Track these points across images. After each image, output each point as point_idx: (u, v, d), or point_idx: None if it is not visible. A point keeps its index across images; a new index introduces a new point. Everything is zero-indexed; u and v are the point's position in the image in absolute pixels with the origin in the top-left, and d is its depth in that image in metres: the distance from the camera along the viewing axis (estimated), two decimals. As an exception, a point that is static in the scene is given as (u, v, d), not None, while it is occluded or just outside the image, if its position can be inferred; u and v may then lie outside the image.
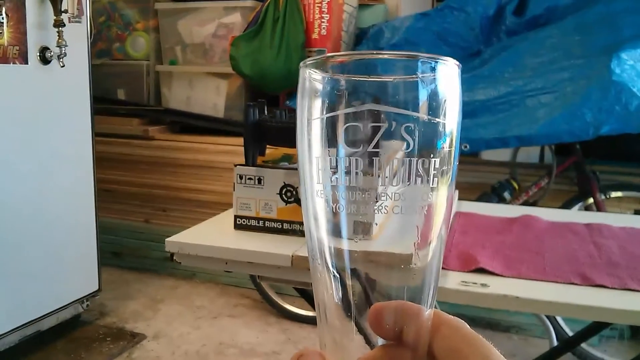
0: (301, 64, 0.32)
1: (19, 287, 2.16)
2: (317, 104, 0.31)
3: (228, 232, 1.26)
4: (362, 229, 0.31)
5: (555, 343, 2.08)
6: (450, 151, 0.31)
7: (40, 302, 2.28)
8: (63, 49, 2.15)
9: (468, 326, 0.33)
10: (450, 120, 0.31)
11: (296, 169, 0.32)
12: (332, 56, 0.31)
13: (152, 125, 3.16)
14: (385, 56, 0.31)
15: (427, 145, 0.30)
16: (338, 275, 0.32)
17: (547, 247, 1.24)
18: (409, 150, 0.30)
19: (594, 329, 1.62)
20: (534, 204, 2.45)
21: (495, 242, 1.27)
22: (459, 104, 0.32)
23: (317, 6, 2.73)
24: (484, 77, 2.27)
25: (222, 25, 3.05)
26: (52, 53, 2.15)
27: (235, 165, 1.25)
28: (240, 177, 1.24)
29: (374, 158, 0.30)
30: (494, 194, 2.46)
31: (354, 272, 0.32)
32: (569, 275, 1.08)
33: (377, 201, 0.31)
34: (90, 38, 2.37)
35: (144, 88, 3.23)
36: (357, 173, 0.30)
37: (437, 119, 0.30)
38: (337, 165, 0.30)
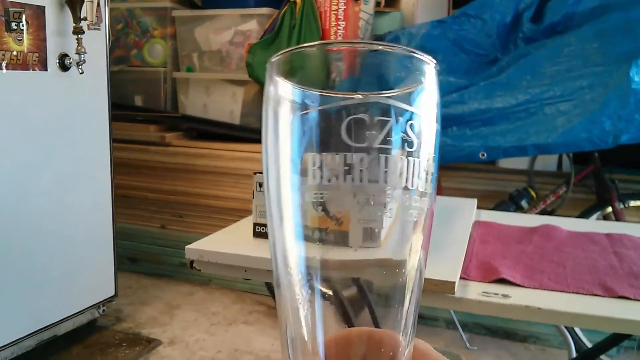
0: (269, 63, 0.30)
1: (36, 292, 2.18)
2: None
3: (247, 240, 1.27)
4: (371, 236, 0.29)
5: (574, 354, 2.06)
6: (427, 166, 0.30)
7: (57, 307, 2.29)
8: (82, 55, 2.17)
9: (436, 352, 0.32)
10: (427, 133, 0.29)
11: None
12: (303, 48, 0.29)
13: (169, 132, 3.17)
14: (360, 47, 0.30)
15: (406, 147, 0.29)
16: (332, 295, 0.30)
17: (568, 258, 1.23)
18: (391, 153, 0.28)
19: (614, 340, 1.60)
20: (551, 212, 2.43)
21: (515, 252, 1.26)
22: (436, 114, 0.30)
23: (334, 13, 2.73)
24: (501, 85, 2.26)
25: (238, 32, 3.07)
26: (71, 60, 2.17)
27: (255, 173, 1.25)
28: (260, 185, 1.24)
29: (381, 156, 0.28)
30: (511, 202, 2.44)
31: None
32: (590, 286, 1.07)
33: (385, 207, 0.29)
34: (109, 45, 2.39)
35: (161, 95, 3.25)
36: (362, 175, 0.28)
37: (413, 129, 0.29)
38: (345, 166, 0.28)
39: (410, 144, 0.29)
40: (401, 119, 0.28)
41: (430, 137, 0.30)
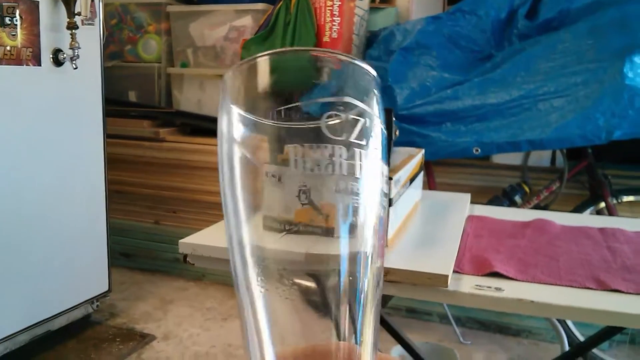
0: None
1: (30, 287, 2.17)
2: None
3: (241, 234, 1.26)
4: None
5: (567, 348, 2.07)
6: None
7: (51, 302, 2.29)
8: (76, 51, 2.16)
9: None
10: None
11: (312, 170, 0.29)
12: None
13: (163, 127, 3.17)
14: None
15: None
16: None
17: (561, 252, 1.24)
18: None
19: (606, 333, 1.61)
20: (545, 207, 2.44)
21: (509, 246, 1.27)
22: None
23: (329, 9, 2.73)
24: (495, 81, 2.26)
25: (233, 28, 3.06)
26: (64, 55, 2.16)
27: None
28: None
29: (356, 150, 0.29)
30: (505, 198, 2.45)
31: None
32: (583, 280, 1.08)
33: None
34: (103, 40, 2.38)
35: (155, 90, 3.25)
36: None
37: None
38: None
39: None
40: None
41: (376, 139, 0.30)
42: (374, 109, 0.30)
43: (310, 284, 0.30)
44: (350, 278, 0.29)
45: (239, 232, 0.30)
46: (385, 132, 0.30)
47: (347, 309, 0.29)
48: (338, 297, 0.29)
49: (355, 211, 0.29)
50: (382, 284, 0.31)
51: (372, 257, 0.30)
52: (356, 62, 0.30)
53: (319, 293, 0.30)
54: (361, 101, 0.29)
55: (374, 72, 0.30)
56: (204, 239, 1.22)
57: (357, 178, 0.29)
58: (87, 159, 2.38)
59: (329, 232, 0.29)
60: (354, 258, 0.30)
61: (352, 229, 0.29)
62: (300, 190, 0.28)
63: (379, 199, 0.30)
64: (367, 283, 0.30)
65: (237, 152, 0.29)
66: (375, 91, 0.30)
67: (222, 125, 0.30)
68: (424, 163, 1.60)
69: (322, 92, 0.29)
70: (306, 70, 0.30)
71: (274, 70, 0.29)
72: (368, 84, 0.30)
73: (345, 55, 0.30)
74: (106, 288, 2.55)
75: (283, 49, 0.29)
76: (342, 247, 0.29)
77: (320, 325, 0.30)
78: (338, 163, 0.28)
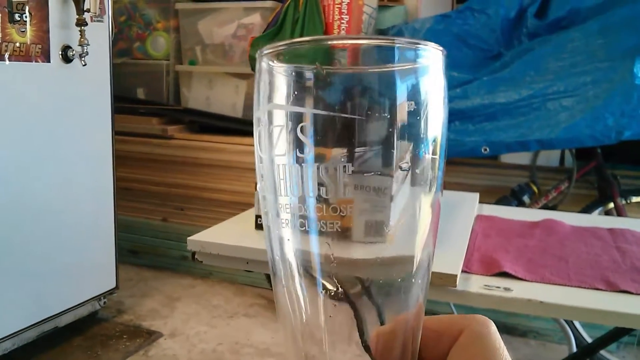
0: (258, 53, 0.30)
1: (37, 284, 2.18)
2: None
3: (249, 232, 1.27)
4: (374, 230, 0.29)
5: (575, 349, 2.06)
6: (434, 159, 0.29)
7: (58, 298, 2.29)
8: (85, 47, 2.17)
9: (493, 334, 0.30)
10: (434, 122, 0.29)
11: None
12: (296, 42, 0.29)
13: (171, 125, 3.17)
14: (357, 42, 0.30)
15: (406, 150, 0.28)
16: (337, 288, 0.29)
17: (570, 252, 1.23)
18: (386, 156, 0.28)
19: (615, 335, 1.60)
20: (553, 207, 2.43)
21: (517, 246, 1.26)
22: (443, 103, 0.30)
23: (337, 7, 2.73)
24: (504, 80, 2.25)
25: (241, 25, 3.06)
26: (74, 52, 2.17)
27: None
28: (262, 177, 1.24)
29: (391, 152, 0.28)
30: (513, 198, 2.44)
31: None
32: (593, 281, 1.07)
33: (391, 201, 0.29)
34: (112, 37, 2.38)
35: (163, 87, 3.25)
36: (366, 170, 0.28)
37: (417, 118, 0.28)
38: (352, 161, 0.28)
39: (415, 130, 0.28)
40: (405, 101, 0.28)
41: (436, 124, 0.29)
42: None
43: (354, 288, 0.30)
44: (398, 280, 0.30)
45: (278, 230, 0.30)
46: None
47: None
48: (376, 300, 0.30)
49: (389, 212, 0.29)
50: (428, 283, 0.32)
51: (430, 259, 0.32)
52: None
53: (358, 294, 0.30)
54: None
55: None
56: (212, 236, 1.22)
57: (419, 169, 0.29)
58: (96, 155, 2.38)
59: (348, 231, 0.29)
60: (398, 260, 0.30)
61: (385, 230, 0.29)
62: (319, 185, 0.28)
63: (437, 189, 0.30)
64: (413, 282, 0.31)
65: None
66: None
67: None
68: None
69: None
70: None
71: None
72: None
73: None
74: (113, 285, 2.56)
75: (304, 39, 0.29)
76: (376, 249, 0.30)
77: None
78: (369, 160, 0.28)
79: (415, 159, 0.28)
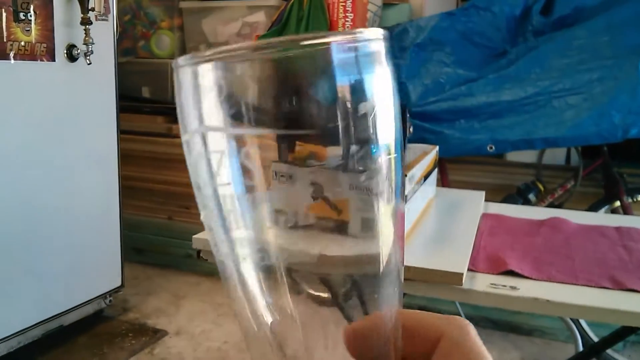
0: (174, 64, 0.27)
1: (43, 282, 2.18)
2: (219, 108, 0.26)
3: (254, 230, 1.26)
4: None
5: (581, 348, 2.05)
6: (389, 159, 0.27)
7: (64, 297, 2.30)
8: (90, 46, 2.17)
9: (473, 337, 0.29)
10: (383, 120, 0.26)
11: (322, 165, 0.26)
12: (223, 51, 0.25)
13: (176, 123, 3.14)
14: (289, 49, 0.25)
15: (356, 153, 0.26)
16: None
17: (576, 250, 1.23)
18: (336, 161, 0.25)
19: (621, 333, 1.59)
20: (559, 206, 2.42)
21: (524, 244, 1.26)
22: (392, 98, 0.27)
23: (342, 5, 2.72)
24: (510, 78, 2.25)
25: (246, 24, 3.06)
26: (79, 50, 2.17)
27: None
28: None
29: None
30: (519, 196, 2.43)
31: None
32: (599, 279, 1.07)
33: None
34: (116, 36, 2.39)
35: (168, 86, 3.25)
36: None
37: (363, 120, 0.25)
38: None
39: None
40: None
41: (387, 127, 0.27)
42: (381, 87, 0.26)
43: (324, 289, 0.28)
44: (369, 277, 0.29)
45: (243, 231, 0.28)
46: (399, 120, 0.28)
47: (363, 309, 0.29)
48: (354, 299, 0.29)
49: (371, 207, 0.27)
50: (401, 283, 0.30)
51: (391, 255, 0.29)
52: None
53: (336, 294, 0.29)
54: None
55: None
56: (217, 235, 1.22)
57: (372, 172, 0.26)
58: (101, 154, 2.39)
59: (342, 227, 0.27)
60: (372, 257, 0.28)
61: (369, 225, 0.28)
62: (312, 185, 0.26)
63: (395, 193, 0.28)
64: (386, 281, 0.29)
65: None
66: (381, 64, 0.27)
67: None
68: (438, 160, 1.59)
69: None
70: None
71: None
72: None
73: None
74: (119, 283, 2.56)
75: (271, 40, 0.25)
76: (358, 245, 0.28)
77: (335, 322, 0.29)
78: (352, 159, 0.26)
79: (369, 159, 0.26)
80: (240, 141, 0.26)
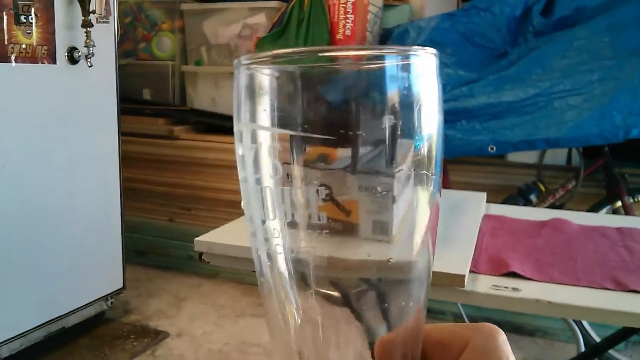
0: (236, 61, 0.29)
1: (45, 284, 2.18)
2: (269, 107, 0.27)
3: (256, 233, 1.26)
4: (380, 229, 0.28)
5: (583, 348, 2.05)
6: (429, 157, 0.28)
7: (66, 299, 2.30)
8: (91, 49, 2.17)
9: (500, 347, 0.28)
10: (427, 123, 0.28)
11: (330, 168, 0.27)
12: (282, 54, 0.27)
13: (178, 125, 3.17)
14: (343, 53, 0.27)
15: (399, 150, 0.27)
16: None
17: (578, 252, 1.23)
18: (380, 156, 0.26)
19: (623, 334, 1.59)
20: (560, 206, 2.42)
21: (525, 245, 1.26)
22: (437, 104, 0.29)
23: (342, 7, 2.72)
24: (510, 79, 2.25)
25: (247, 25, 3.06)
26: (80, 53, 2.17)
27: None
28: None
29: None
30: (520, 197, 2.43)
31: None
32: (601, 280, 1.07)
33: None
34: (117, 38, 2.39)
35: (169, 88, 3.26)
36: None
37: (410, 122, 0.27)
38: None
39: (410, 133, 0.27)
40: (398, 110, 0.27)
41: (431, 126, 0.28)
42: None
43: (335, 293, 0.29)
44: (386, 283, 0.29)
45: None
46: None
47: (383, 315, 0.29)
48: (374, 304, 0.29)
49: (387, 208, 0.28)
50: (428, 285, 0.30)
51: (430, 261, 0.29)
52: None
53: (349, 299, 0.29)
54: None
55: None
56: (219, 237, 1.22)
57: (389, 176, 0.27)
58: (102, 156, 2.39)
59: (353, 229, 0.28)
60: (402, 262, 0.29)
61: (384, 228, 0.28)
62: (321, 187, 0.27)
63: (413, 195, 0.28)
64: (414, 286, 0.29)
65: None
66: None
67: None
68: (439, 161, 1.59)
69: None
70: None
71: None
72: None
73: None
74: (120, 285, 2.56)
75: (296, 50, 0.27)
76: (373, 249, 0.28)
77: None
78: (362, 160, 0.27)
79: (411, 160, 0.27)
80: (282, 140, 0.27)
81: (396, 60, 0.27)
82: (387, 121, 0.26)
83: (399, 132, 0.26)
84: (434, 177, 0.29)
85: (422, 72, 0.28)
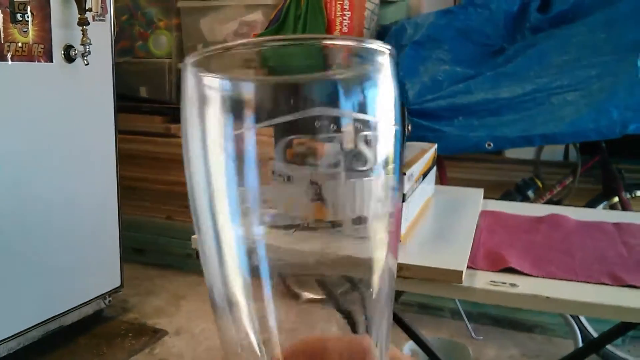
0: (183, 62, 0.27)
1: (43, 283, 2.18)
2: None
3: (253, 230, 1.26)
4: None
5: (580, 344, 2.05)
6: (388, 169, 0.27)
7: (63, 297, 2.30)
8: (87, 47, 2.17)
9: None
10: (383, 120, 0.26)
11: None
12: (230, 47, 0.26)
13: (175, 123, 3.17)
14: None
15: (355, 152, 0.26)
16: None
17: (576, 247, 1.23)
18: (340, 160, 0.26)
19: (621, 329, 1.59)
20: (558, 202, 2.42)
21: (523, 241, 1.26)
22: (394, 103, 0.27)
23: (339, 4, 2.72)
24: (508, 75, 2.24)
25: (243, 23, 3.06)
26: (76, 51, 2.17)
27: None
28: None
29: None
30: (517, 193, 2.43)
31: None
32: (599, 276, 1.07)
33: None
34: (114, 36, 2.38)
35: (166, 86, 3.25)
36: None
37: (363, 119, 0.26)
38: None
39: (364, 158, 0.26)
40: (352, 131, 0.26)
41: (387, 142, 0.27)
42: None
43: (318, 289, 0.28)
44: (363, 275, 0.28)
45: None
46: (399, 123, 0.28)
47: (360, 308, 0.28)
48: (350, 295, 0.28)
49: (367, 205, 0.27)
50: (395, 281, 0.30)
51: (385, 254, 0.28)
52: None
53: (330, 292, 0.28)
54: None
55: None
56: (216, 234, 1.21)
57: (369, 170, 0.26)
58: (99, 154, 2.39)
59: (336, 227, 0.27)
60: (366, 256, 0.28)
61: (363, 224, 0.27)
62: (310, 185, 0.26)
63: (392, 193, 0.28)
64: (380, 280, 0.28)
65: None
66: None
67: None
68: (436, 158, 1.59)
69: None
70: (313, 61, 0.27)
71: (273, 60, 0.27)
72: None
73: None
74: (118, 283, 2.56)
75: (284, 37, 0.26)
76: (354, 244, 0.28)
77: (330, 322, 0.29)
78: (349, 155, 0.26)
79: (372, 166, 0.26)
80: (238, 138, 0.25)
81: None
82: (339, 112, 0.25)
83: (353, 125, 0.25)
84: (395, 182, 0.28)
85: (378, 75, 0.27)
